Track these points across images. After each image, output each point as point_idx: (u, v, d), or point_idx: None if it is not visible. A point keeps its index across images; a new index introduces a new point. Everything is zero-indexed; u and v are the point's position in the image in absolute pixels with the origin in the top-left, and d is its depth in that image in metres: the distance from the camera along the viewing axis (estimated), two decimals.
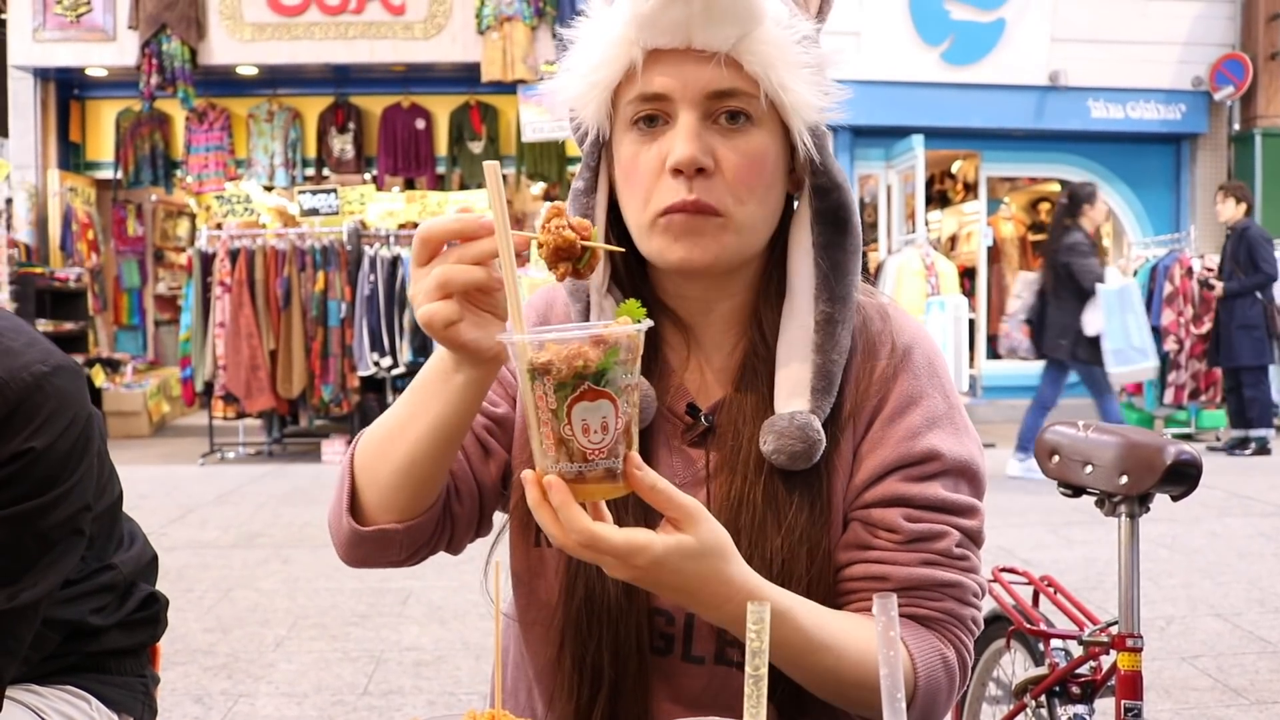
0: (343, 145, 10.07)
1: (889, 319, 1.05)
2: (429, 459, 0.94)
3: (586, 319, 1.03)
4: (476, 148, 9.91)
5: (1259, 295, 7.72)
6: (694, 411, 1.03)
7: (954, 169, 11.69)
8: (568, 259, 0.84)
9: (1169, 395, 8.45)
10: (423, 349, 7.65)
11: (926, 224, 9.59)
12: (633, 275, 1.05)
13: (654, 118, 0.95)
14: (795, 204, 1.04)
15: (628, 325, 0.78)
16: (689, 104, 0.94)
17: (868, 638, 0.93)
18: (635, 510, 0.96)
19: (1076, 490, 1.94)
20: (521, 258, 0.88)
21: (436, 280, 0.83)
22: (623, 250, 0.95)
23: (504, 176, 0.87)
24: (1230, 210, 7.75)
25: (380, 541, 0.99)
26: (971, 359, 8.86)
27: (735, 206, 0.95)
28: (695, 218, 0.94)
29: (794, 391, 0.98)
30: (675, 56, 0.93)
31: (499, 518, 1.11)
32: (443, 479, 0.99)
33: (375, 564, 1.02)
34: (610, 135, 1.01)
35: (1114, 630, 1.86)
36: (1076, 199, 6.64)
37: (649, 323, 0.80)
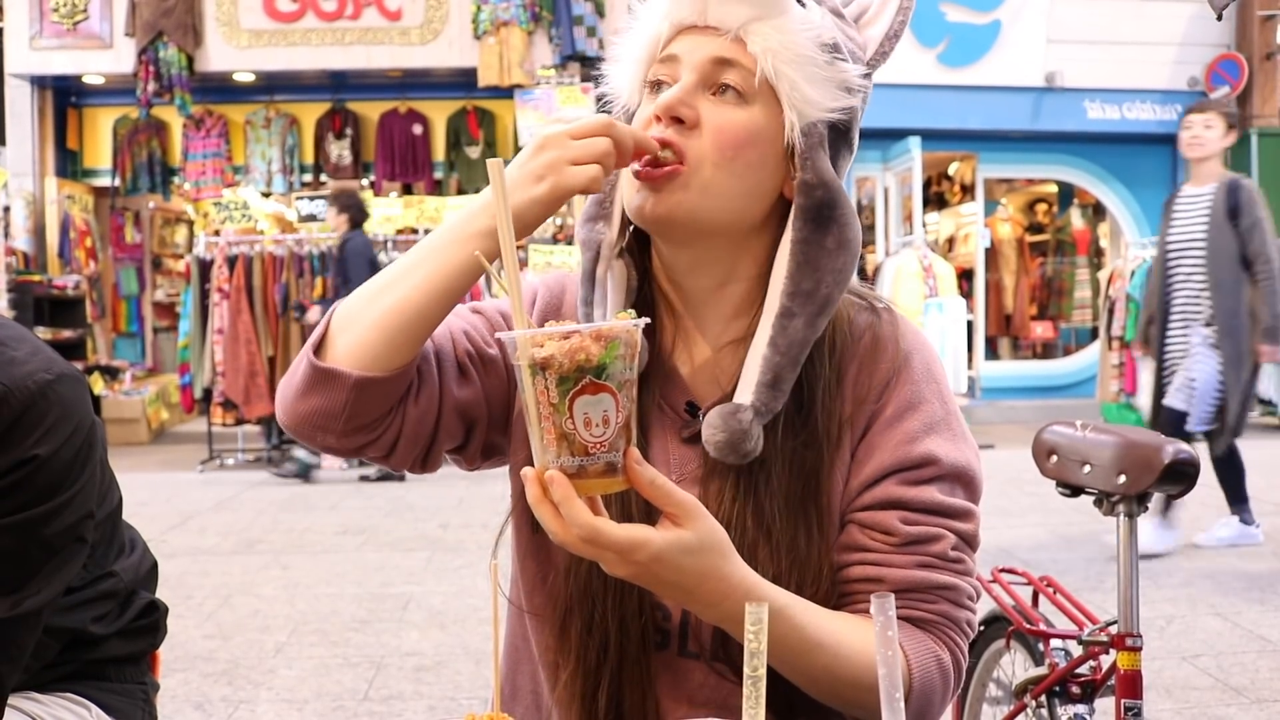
0: (340, 151, 10.07)
1: (895, 324, 1.06)
2: (422, 307, 0.95)
3: (594, 269, 1.04)
4: (474, 153, 9.91)
5: None
6: (693, 409, 1.04)
7: (951, 170, 11.71)
8: None
9: None
10: None
11: (924, 226, 9.60)
12: (641, 254, 1.06)
13: (661, 84, 1.00)
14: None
15: (626, 321, 0.81)
16: (691, 66, 0.98)
17: (864, 638, 0.94)
18: (639, 509, 0.97)
19: (1075, 490, 1.94)
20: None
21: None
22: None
23: None
24: (333, 219, 7.35)
25: (327, 386, 0.95)
26: (970, 360, 8.88)
27: (701, 164, 0.97)
28: (657, 173, 0.96)
29: (746, 384, 0.98)
30: (694, 30, 0.99)
31: (497, 514, 1.12)
32: (420, 341, 0.97)
33: (313, 430, 0.98)
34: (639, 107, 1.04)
35: (1113, 630, 1.87)
36: None
37: (645, 320, 0.82)
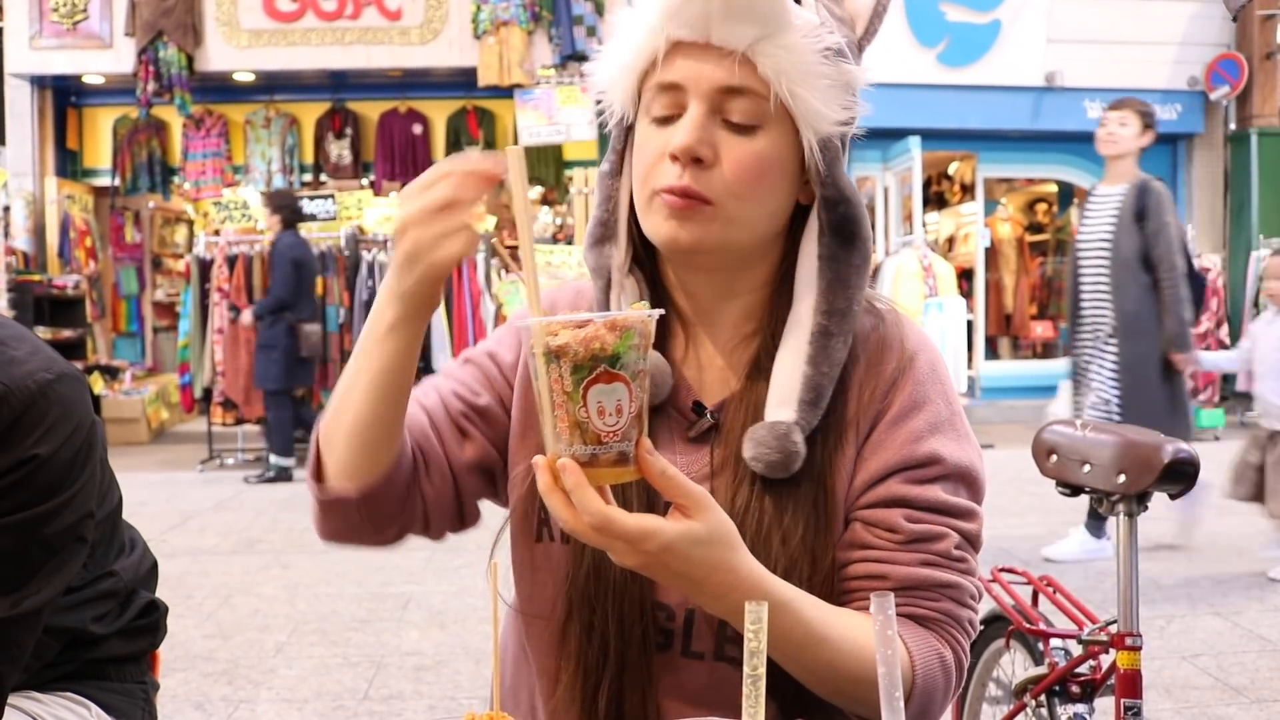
0: (340, 151, 10.08)
1: (900, 324, 1.07)
2: (375, 413, 0.96)
3: (607, 297, 1.04)
4: (474, 152, 9.93)
5: (286, 316, 7.22)
6: (700, 409, 1.04)
7: (951, 170, 11.70)
8: None
9: None
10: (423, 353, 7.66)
11: (924, 225, 9.60)
12: (649, 263, 1.06)
13: (670, 118, 0.98)
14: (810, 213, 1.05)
15: (641, 311, 0.81)
16: (700, 96, 0.96)
17: (868, 634, 0.94)
18: (639, 502, 0.97)
19: (1075, 489, 1.94)
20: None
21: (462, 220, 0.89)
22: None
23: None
24: (267, 219, 7.38)
25: (339, 510, 0.99)
26: (970, 360, 8.88)
27: (727, 199, 0.96)
28: (685, 201, 0.96)
29: (783, 400, 0.99)
30: (695, 50, 0.96)
31: (498, 516, 1.12)
32: (394, 438, 0.98)
33: (348, 539, 1.03)
34: (635, 120, 1.03)
35: (1113, 629, 1.87)
36: None
37: (660, 311, 0.83)
